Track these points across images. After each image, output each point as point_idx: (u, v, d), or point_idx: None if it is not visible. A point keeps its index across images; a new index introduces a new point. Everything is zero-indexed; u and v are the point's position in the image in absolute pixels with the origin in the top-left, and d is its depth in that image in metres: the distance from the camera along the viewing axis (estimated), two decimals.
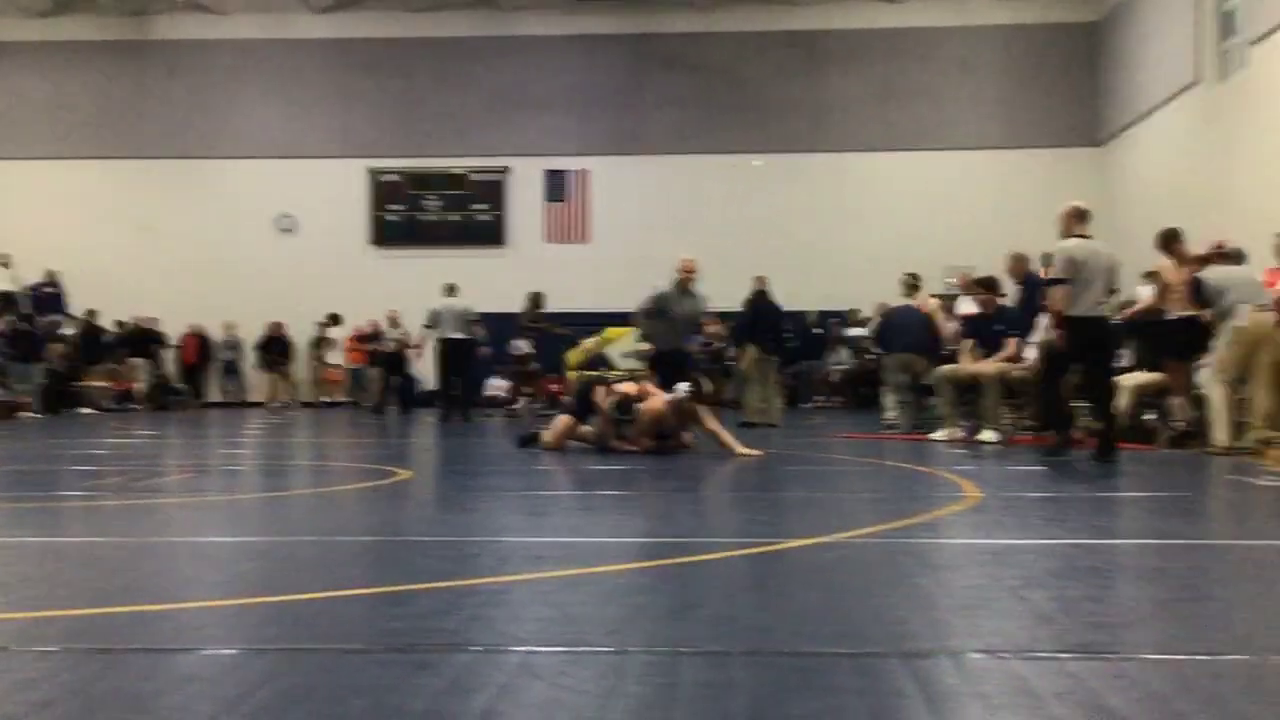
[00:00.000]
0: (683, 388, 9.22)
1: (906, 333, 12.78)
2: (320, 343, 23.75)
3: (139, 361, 22.37)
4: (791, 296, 18.30)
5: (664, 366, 11.24)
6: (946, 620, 3.18)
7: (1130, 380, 10.59)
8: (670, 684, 2.50)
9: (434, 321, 16.26)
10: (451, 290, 16.54)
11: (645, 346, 12.26)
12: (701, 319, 11.54)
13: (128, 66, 24.60)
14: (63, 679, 2.55)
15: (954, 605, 3.38)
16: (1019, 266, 11.88)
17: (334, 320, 23.44)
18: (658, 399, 9.34)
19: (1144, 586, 3.83)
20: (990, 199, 22.70)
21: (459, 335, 16.09)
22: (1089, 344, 8.71)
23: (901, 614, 3.22)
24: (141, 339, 22.53)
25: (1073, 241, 8.81)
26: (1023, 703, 2.38)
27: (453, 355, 16.24)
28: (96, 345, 22.02)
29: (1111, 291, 8.98)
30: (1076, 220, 8.98)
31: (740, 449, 9.14)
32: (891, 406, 12.82)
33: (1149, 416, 10.90)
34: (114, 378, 21.96)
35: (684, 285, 11.30)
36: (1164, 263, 10.62)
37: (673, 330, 11.36)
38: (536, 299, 18.44)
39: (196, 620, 3.29)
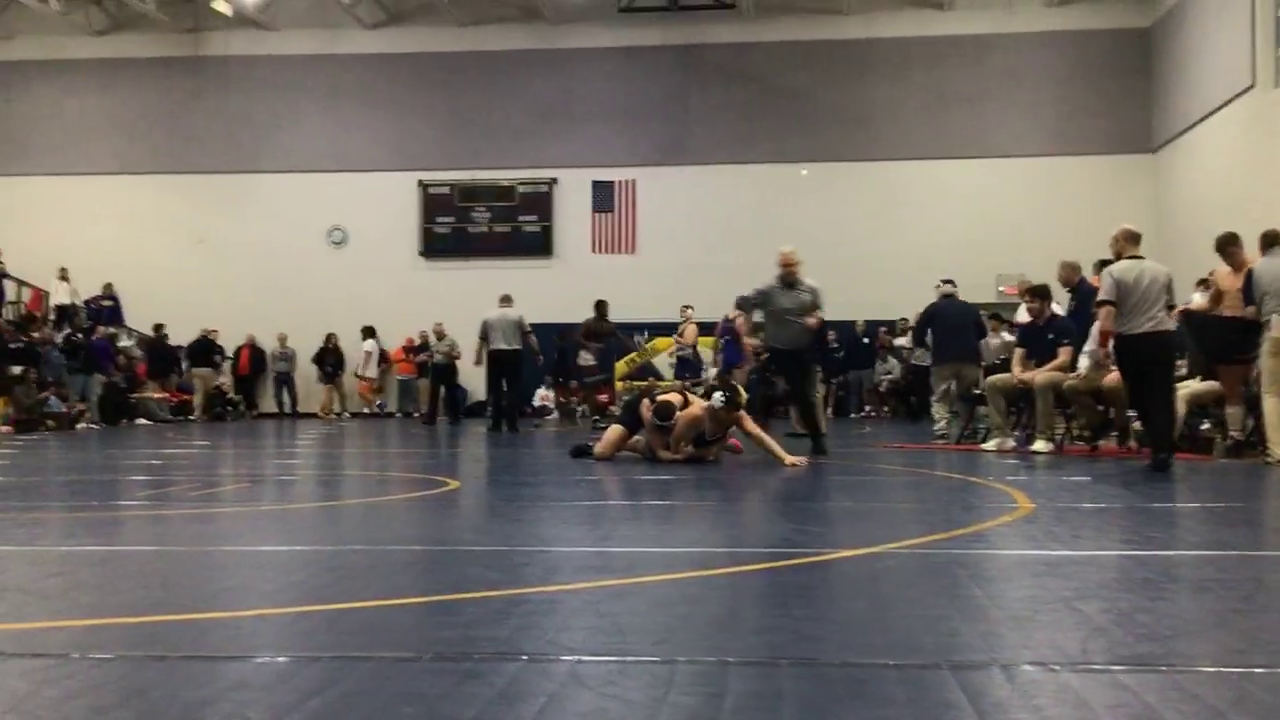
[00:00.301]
0: (718, 397, 9.17)
1: (958, 337, 12.59)
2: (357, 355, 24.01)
3: (205, 371, 22.87)
4: (839, 307, 18.15)
5: (782, 364, 10.88)
6: (998, 632, 3.15)
7: (1185, 389, 10.43)
8: (718, 694, 2.50)
9: (484, 333, 16.30)
10: (506, 301, 16.59)
11: (754, 342, 11.89)
12: (813, 312, 10.50)
13: (182, 83, 25.01)
14: (118, 686, 2.59)
15: (1005, 616, 3.35)
16: (1069, 274, 11.75)
17: (368, 333, 23.70)
18: (696, 406, 9.35)
19: (1200, 598, 3.77)
20: (1042, 207, 22.50)
21: (509, 346, 16.12)
22: (1144, 360, 8.79)
23: (952, 625, 3.20)
24: (207, 350, 23.03)
25: (1122, 264, 8.93)
26: (1075, 716, 2.35)
27: (502, 366, 16.29)
28: (163, 357, 22.53)
29: (1171, 307, 8.99)
30: (1129, 242, 9.15)
31: (788, 458, 9.12)
32: (941, 416, 12.71)
33: (1205, 426, 10.74)
34: (169, 389, 22.36)
35: (787, 279, 10.55)
36: (1220, 269, 10.47)
37: (782, 326, 10.61)
38: (601, 308, 18.04)
39: (249, 628, 3.33)
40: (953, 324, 12.71)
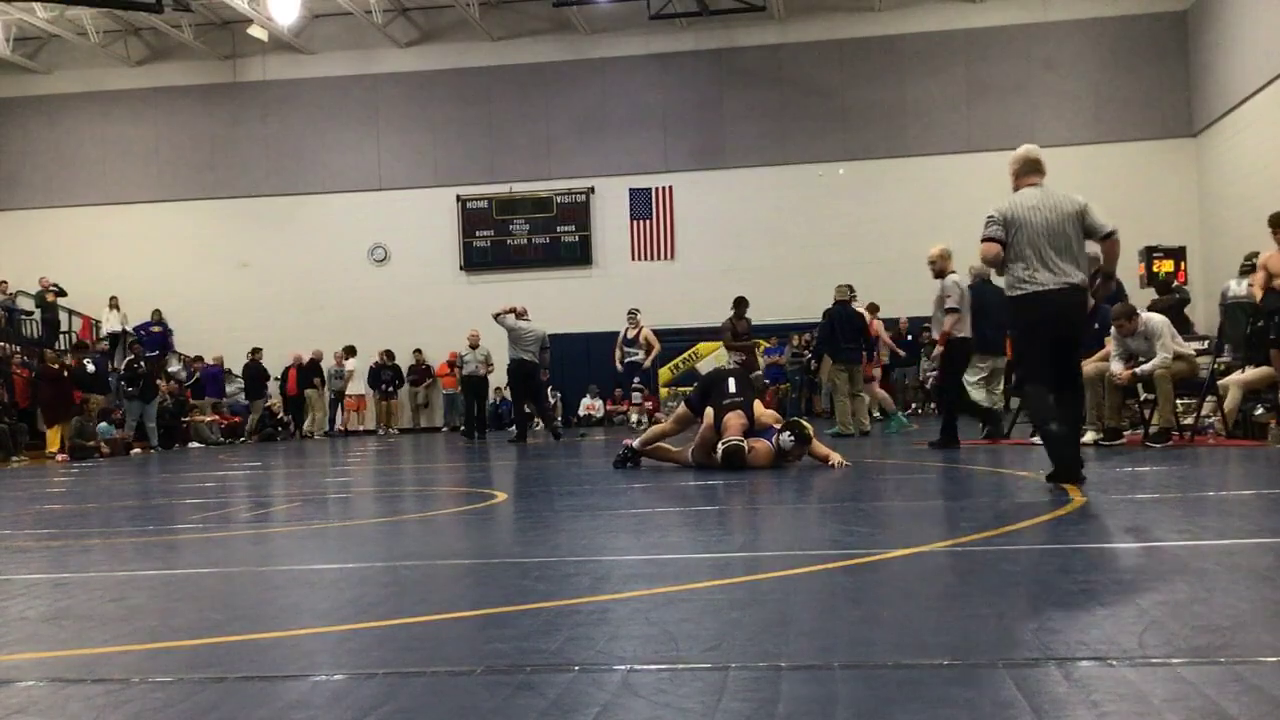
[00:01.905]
0: (786, 438, 8.94)
1: (1002, 329, 12.21)
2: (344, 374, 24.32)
3: (311, 394, 23.41)
4: (881, 304, 18.13)
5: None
6: (1052, 628, 3.12)
7: (1237, 377, 10.30)
8: (771, 699, 2.49)
9: (510, 331, 16.21)
10: (523, 314, 16.56)
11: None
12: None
13: (221, 109, 25.36)
14: (179, 709, 2.63)
15: (1060, 612, 3.32)
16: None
17: (349, 353, 23.95)
18: (763, 450, 9.07)
19: (1258, 587, 3.71)
20: (1083, 195, 22.19)
21: (530, 358, 16.12)
22: (964, 358, 11.20)
23: (1006, 622, 3.17)
24: (313, 372, 23.55)
25: (958, 275, 11.15)
26: (1134, 710, 2.33)
27: (524, 377, 16.28)
28: (257, 380, 23.29)
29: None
30: (948, 258, 11.42)
31: (835, 459, 8.94)
32: (986, 404, 12.48)
33: (1259, 411, 10.57)
34: (219, 412, 22.71)
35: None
36: (1267, 251, 10.34)
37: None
38: (740, 306, 16.64)
39: (306, 647, 3.36)
40: (994, 314, 12.24)
